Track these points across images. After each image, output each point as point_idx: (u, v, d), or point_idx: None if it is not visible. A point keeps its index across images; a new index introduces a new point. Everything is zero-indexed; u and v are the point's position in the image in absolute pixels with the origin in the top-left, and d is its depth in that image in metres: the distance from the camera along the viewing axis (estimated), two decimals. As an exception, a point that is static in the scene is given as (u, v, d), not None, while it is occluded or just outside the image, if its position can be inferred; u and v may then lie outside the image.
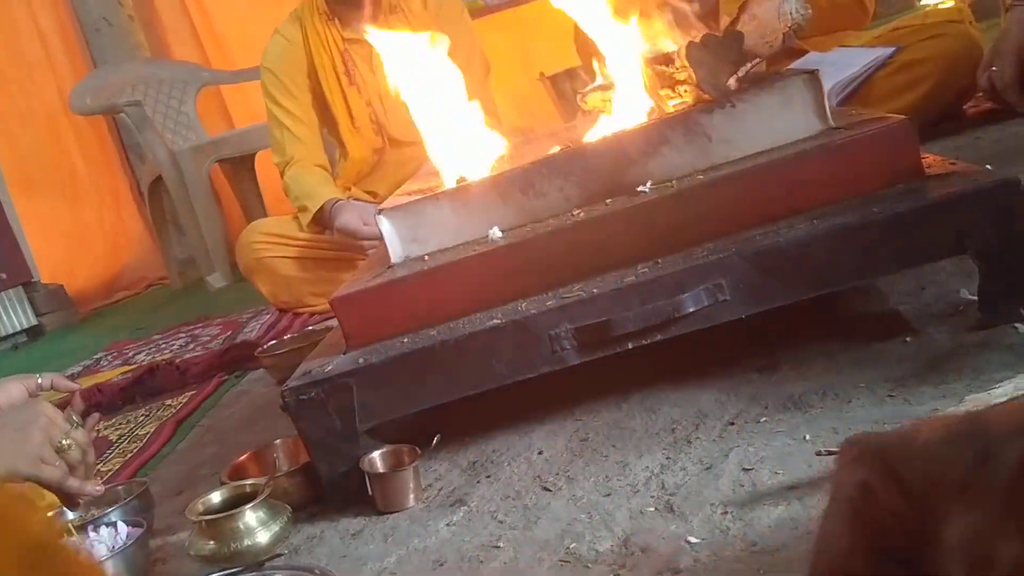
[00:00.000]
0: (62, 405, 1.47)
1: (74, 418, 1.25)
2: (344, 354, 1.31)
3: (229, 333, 2.85)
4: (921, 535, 0.42)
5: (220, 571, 1.12)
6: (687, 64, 1.32)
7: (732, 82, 1.35)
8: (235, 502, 1.21)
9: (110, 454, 1.90)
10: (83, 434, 1.26)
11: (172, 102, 4.37)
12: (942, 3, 4.29)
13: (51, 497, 1.42)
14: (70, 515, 1.38)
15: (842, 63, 2.32)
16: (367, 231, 2.29)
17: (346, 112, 2.56)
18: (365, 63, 2.52)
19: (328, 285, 2.44)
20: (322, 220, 2.44)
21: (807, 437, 1.05)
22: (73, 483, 1.20)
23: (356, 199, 2.57)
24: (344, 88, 2.54)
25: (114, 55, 4.77)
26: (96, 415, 1.45)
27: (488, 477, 1.22)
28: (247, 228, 2.78)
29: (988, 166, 1.24)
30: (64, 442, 1.18)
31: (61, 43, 4.88)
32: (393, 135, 2.56)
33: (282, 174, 2.57)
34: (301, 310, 2.67)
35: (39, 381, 1.41)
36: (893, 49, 2.32)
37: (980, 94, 2.24)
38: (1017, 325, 1.13)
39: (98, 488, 1.22)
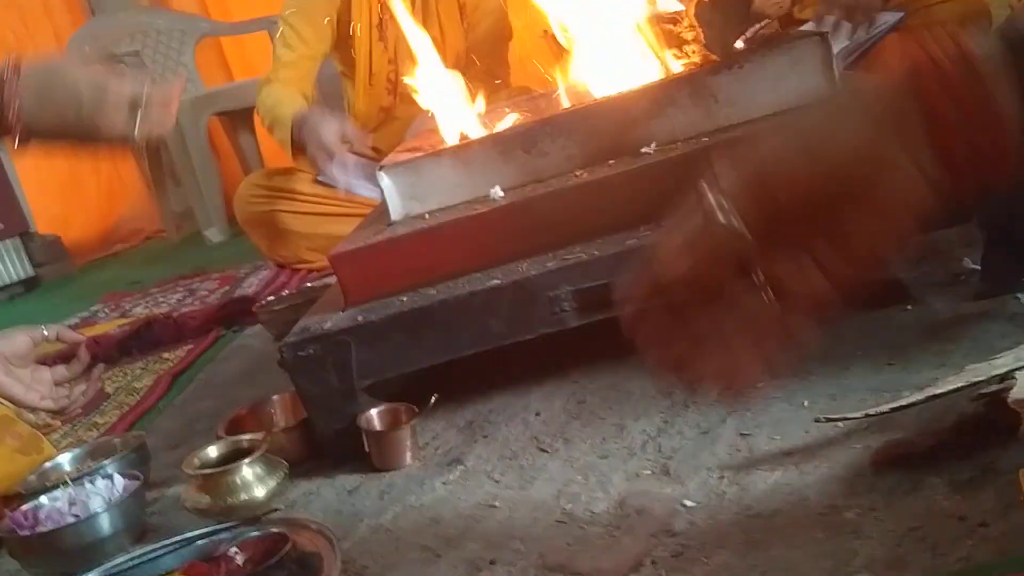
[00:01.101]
0: (67, 356, 1.47)
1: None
2: (343, 311, 1.30)
3: (227, 288, 2.84)
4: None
5: (216, 524, 1.13)
6: (695, 24, 1.30)
7: (740, 43, 1.33)
8: (232, 457, 1.21)
9: (107, 406, 1.90)
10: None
11: (171, 52, 4.32)
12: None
13: (49, 450, 1.43)
14: (66, 467, 1.38)
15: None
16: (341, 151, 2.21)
17: (367, 67, 2.53)
18: (398, 30, 2.44)
19: (326, 240, 2.42)
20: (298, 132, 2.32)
21: (805, 403, 1.05)
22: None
23: (360, 155, 2.56)
24: (372, 42, 2.50)
25: (112, 3, 4.70)
26: (101, 366, 1.45)
27: (485, 437, 1.22)
28: (245, 180, 2.75)
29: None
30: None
31: (58, -11, 4.81)
32: (408, 93, 2.53)
33: (260, 89, 2.49)
34: (299, 265, 2.66)
35: (44, 332, 1.42)
36: (900, 15, 2.29)
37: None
38: (1019, 295, 1.12)
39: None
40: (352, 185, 2.33)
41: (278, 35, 2.50)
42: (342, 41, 2.52)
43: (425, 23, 2.42)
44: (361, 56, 2.51)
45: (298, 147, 2.34)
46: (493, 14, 2.53)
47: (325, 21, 2.45)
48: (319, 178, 2.51)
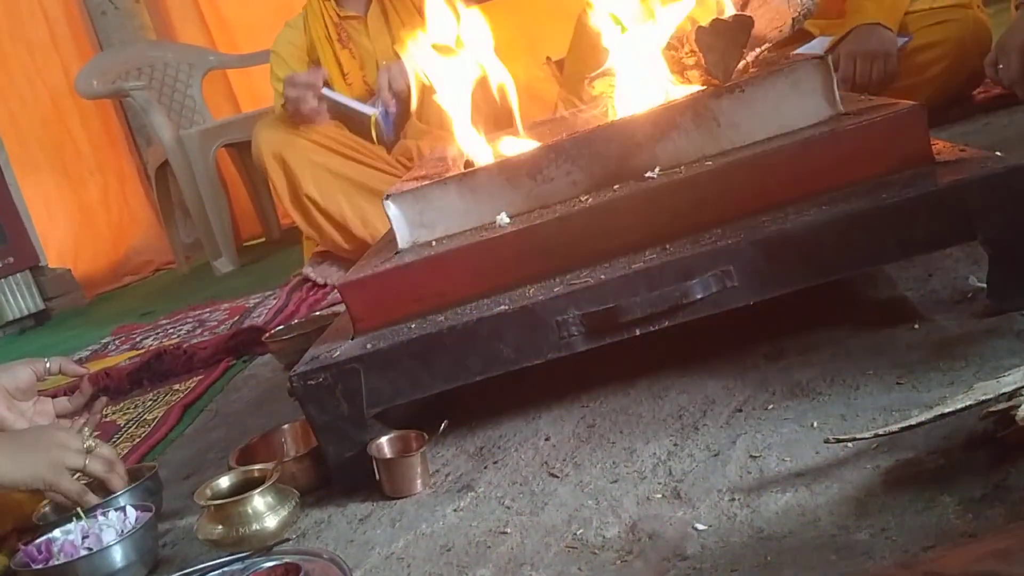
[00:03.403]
0: (70, 389, 1.48)
1: (86, 434, 1.30)
2: (352, 339, 1.31)
3: (236, 318, 2.85)
4: None
5: (228, 555, 1.13)
6: (696, 49, 1.31)
7: (741, 67, 1.34)
8: (243, 487, 1.22)
9: (118, 438, 1.90)
10: (109, 450, 1.30)
11: (178, 85, 4.37)
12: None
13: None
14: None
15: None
16: (306, 78, 2.59)
17: (338, 70, 2.79)
18: (361, 36, 2.76)
19: (341, 181, 2.68)
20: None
21: (814, 424, 1.05)
22: (91, 499, 1.24)
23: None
24: (336, 51, 2.78)
25: (119, 37, 4.77)
26: (103, 399, 1.46)
27: (495, 463, 1.22)
28: (263, 120, 2.89)
29: (998, 152, 1.23)
30: (84, 462, 1.26)
31: (67, 25, 4.87)
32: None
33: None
34: (319, 214, 2.71)
35: (47, 365, 1.42)
36: (908, 38, 2.32)
37: (988, 80, 2.23)
38: (1026, 312, 1.13)
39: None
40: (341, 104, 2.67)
41: (275, 97, 2.84)
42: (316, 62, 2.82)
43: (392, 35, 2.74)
44: (330, 65, 2.78)
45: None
46: None
47: (302, 63, 2.82)
48: (324, 91, 2.70)
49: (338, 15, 2.79)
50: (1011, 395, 0.87)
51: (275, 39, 2.88)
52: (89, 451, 1.27)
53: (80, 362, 2.68)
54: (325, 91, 2.70)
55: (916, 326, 1.21)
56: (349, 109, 2.69)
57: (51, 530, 1.23)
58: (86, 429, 1.34)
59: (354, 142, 2.74)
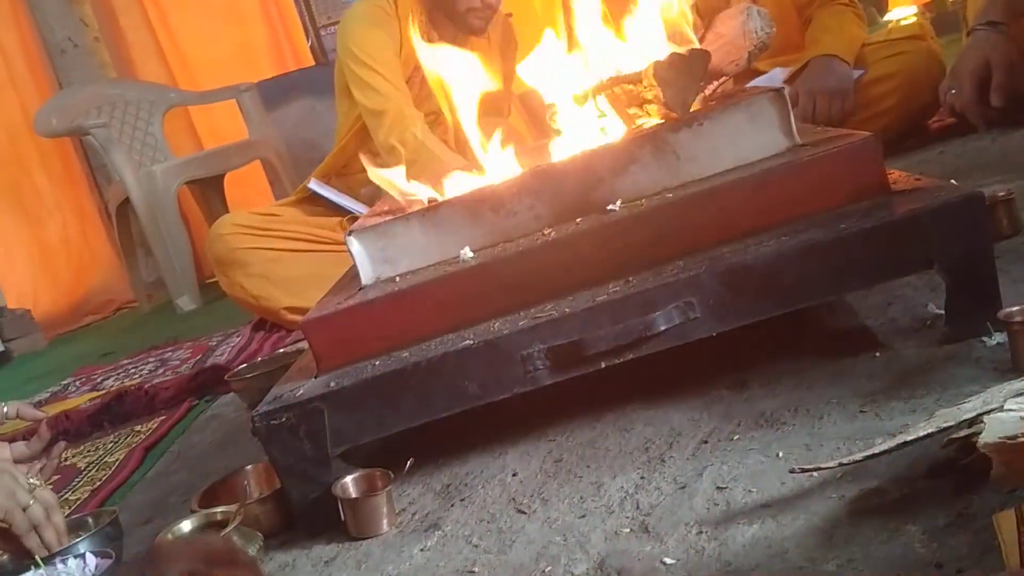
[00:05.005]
0: (29, 434, 1.45)
1: (32, 481, 1.26)
2: (315, 378, 1.30)
3: (199, 357, 2.81)
4: None
5: (191, 602, 1.10)
6: (654, 83, 1.33)
7: (699, 101, 1.35)
8: (206, 530, 1.19)
9: (78, 482, 1.86)
10: (50, 494, 1.27)
11: (139, 123, 4.34)
12: (904, 20, 4.37)
13: None
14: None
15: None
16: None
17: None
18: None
19: (308, 281, 2.38)
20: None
21: (780, 454, 1.05)
22: (33, 541, 1.20)
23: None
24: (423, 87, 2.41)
25: (79, 75, 4.73)
26: (62, 444, 1.43)
27: (462, 500, 1.21)
28: (219, 220, 2.67)
29: (952, 180, 1.26)
30: (30, 501, 1.21)
31: (25, 64, 4.83)
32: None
33: (388, 134, 2.38)
34: (271, 308, 2.60)
35: (4, 410, 1.40)
36: (862, 71, 2.36)
37: (943, 109, 2.27)
38: (984, 339, 1.14)
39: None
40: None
41: (353, 82, 2.43)
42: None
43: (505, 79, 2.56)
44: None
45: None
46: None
47: (394, 51, 2.43)
48: (312, 185, 2.56)
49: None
50: (971, 422, 0.88)
51: (351, 13, 2.44)
52: (32, 490, 1.23)
53: (40, 405, 2.63)
54: (313, 186, 2.51)
55: (877, 354, 1.22)
56: (341, 207, 2.53)
57: (8, 580, 1.20)
58: (32, 479, 1.31)
59: (318, 226, 2.54)
